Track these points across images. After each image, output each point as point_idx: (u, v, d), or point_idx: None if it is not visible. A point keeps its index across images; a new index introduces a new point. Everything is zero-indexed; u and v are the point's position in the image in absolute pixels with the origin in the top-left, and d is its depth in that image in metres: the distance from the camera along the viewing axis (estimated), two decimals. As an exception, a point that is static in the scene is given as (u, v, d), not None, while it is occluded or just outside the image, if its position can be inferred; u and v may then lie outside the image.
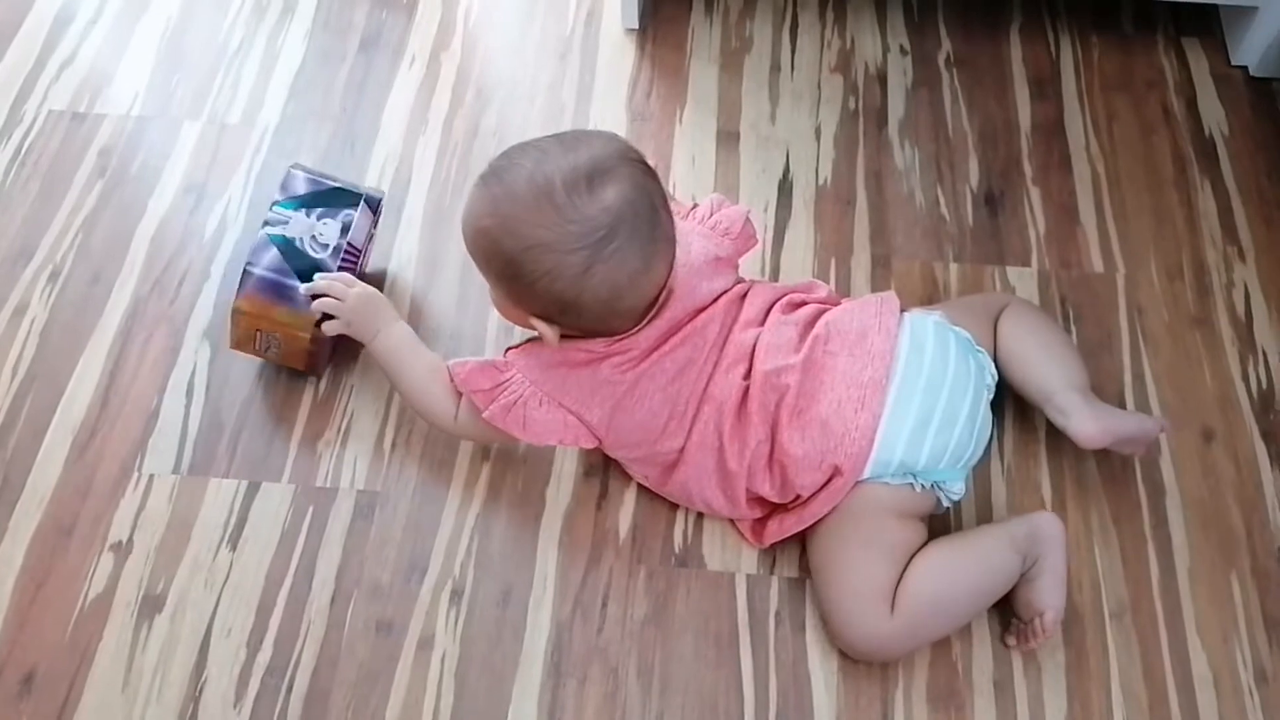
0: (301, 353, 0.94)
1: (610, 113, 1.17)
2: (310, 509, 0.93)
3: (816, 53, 1.23)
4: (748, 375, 0.85)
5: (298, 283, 0.92)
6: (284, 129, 1.15)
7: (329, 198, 0.97)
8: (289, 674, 0.85)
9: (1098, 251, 1.08)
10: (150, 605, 0.88)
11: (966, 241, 1.09)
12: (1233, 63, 1.22)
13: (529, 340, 0.87)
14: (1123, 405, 0.98)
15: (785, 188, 1.12)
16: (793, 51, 1.23)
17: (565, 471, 0.95)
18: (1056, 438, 0.96)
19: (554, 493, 0.94)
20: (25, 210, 1.10)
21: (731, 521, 0.91)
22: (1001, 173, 1.14)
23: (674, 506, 0.93)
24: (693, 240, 0.88)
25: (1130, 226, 1.10)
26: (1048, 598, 0.83)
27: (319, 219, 0.95)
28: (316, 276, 0.92)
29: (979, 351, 0.90)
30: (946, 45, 1.24)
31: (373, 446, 0.96)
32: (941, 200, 1.12)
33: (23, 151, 1.14)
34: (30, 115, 1.17)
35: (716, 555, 0.91)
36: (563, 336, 0.84)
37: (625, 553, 0.91)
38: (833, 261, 1.07)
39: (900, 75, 1.21)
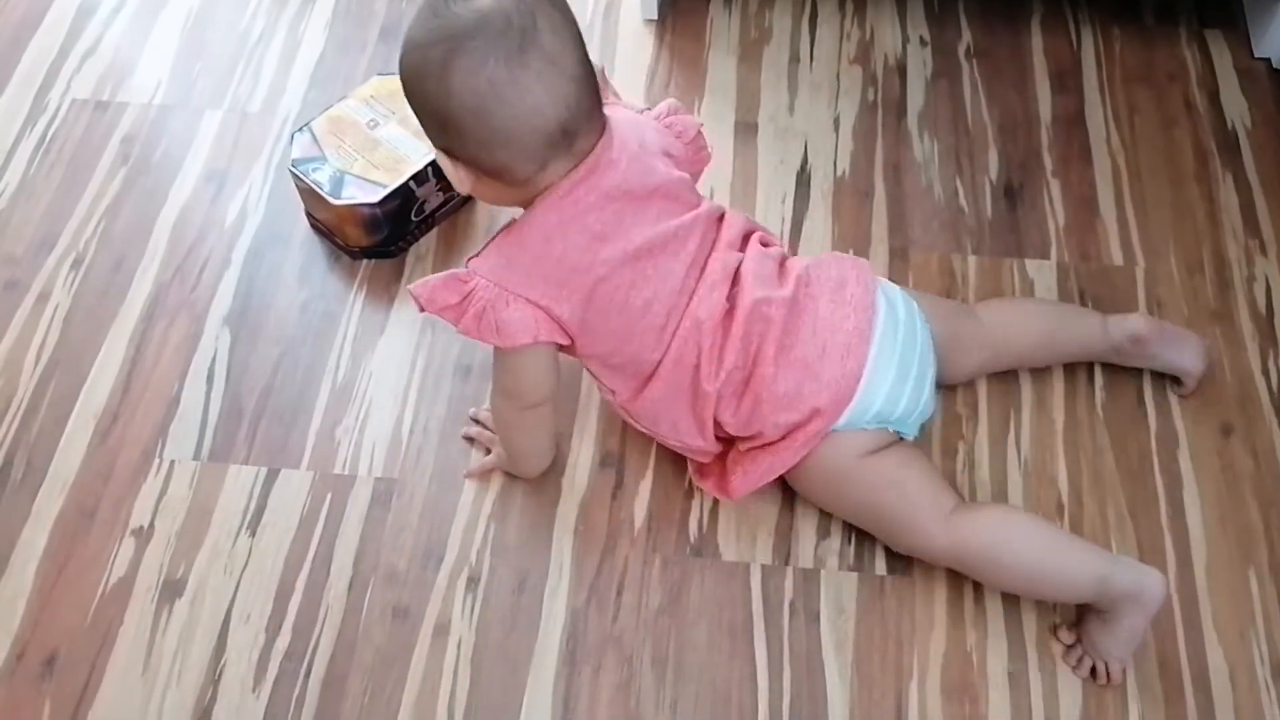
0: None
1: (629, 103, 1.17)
2: (329, 496, 0.93)
3: (836, 44, 1.22)
4: (730, 297, 0.85)
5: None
6: (305, 117, 1.16)
7: None
8: (307, 659, 0.86)
9: (1117, 244, 1.08)
10: (170, 590, 0.89)
11: (985, 234, 1.08)
12: (1256, 55, 1.21)
13: (487, 243, 0.85)
14: (1141, 401, 0.98)
15: (803, 179, 1.12)
16: (812, 42, 1.23)
17: (581, 460, 0.95)
18: (1073, 431, 0.96)
19: (569, 481, 0.94)
20: (49, 198, 1.11)
21: (697, 489, 0.92)
22: (1021, 165, 1.13)
23: (689, 496, 0.93)
24: (647, 130, 0.87)
25: (1150, 219, 1.09)
26: (1116, 649, 0.84)
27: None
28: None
29: (926, 320, 0.91)
30: (967, 36, 1.23)
31: (390, 434, 0.97)
32: (960, 192, 1.11)
33: (46, 140, 1.15)
34: (54, 104, 1.18)
35: (731, 545, 0.91)
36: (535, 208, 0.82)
37: (640, 542, 0.91)
38: (850, 253, 1.07)
39: (920, 66, 1.21)
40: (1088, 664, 0.85)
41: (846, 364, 0.84)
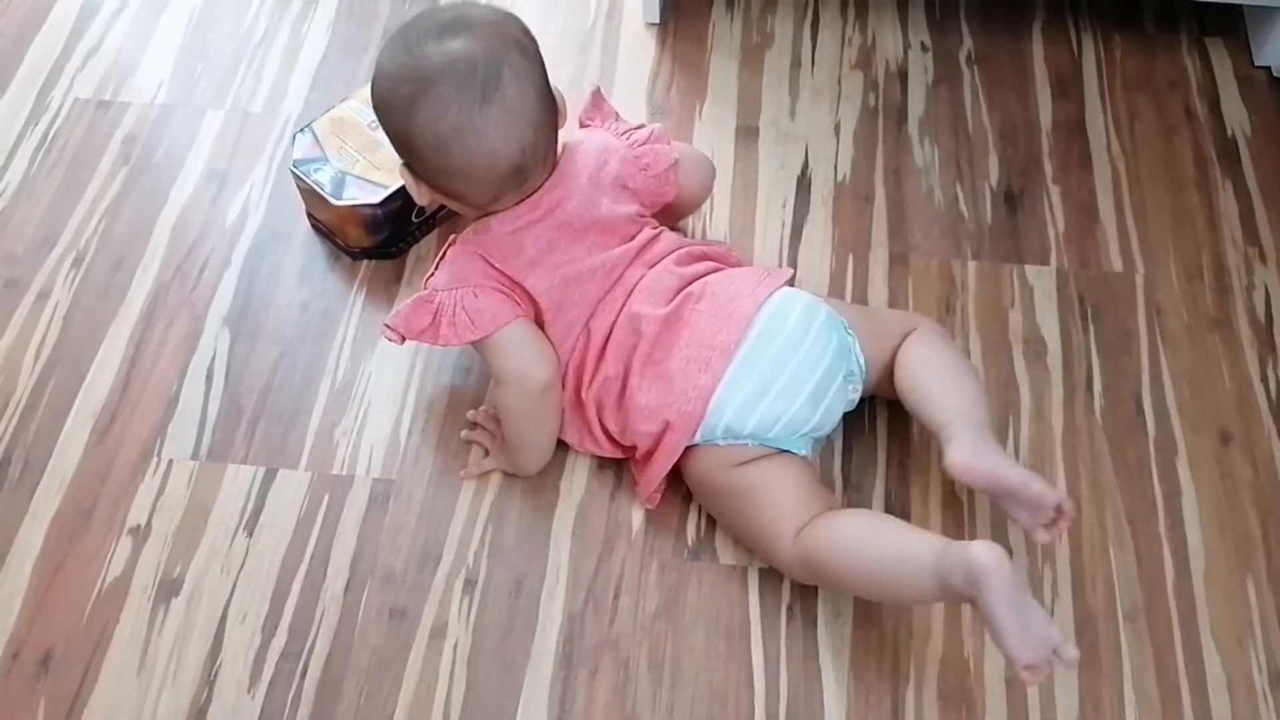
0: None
1: (630, 106, 1.17)
2: (326, 496, 0.93)
3: (837, 49, 1.23)
4: (620, 312, 0.89)
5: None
6: (307, 118, 1.16)
7: None
8: (303, 660, 0.86)
9: (1117, 251, 1.08)
10: (167, 589, 0.89)
11: (985, 239, 1.08)
12: (1256, 63, 1.21)
13: (437, 263, 0.90)
14: (1140, 408, 0.98)
15: (804, 184, 1.12)
16: (813, 47, 1.23)
17: (579, 463, 0.95)
18: (1072, 437, 0.96)
19: (567, 484, 0.94)
20: (50, 197, 1.11)
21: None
22: (1021, 171, 1.13)
23: (687, 499, 0.93)
24: (611, 159, 0.91)
25: (1150, 226, 1.10)
26: (1003, 646, 0.72)
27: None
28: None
29: (849, 335, 0.89)
30: (968, 42, 1.23)
31: (389, 435, 0.96)
32: (960, 198, 1.11)
33: (48, 139, 1.16)
34: (56, 103, 1.18)
35: (729, 549, 0.91)
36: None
37: (638, 545, 0.91)
38: (850, 258, 1.07)
39: (921, 72, 1.21)
40: (1032, 674, 0.72)
41: (701, 379, 0.84)
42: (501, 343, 0.87)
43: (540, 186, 0.88)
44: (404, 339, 0.89)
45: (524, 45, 0.84)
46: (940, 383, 0.87)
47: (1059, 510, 0.80)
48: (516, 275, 0.87)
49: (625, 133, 0.95)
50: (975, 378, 0.89)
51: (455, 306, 0.86)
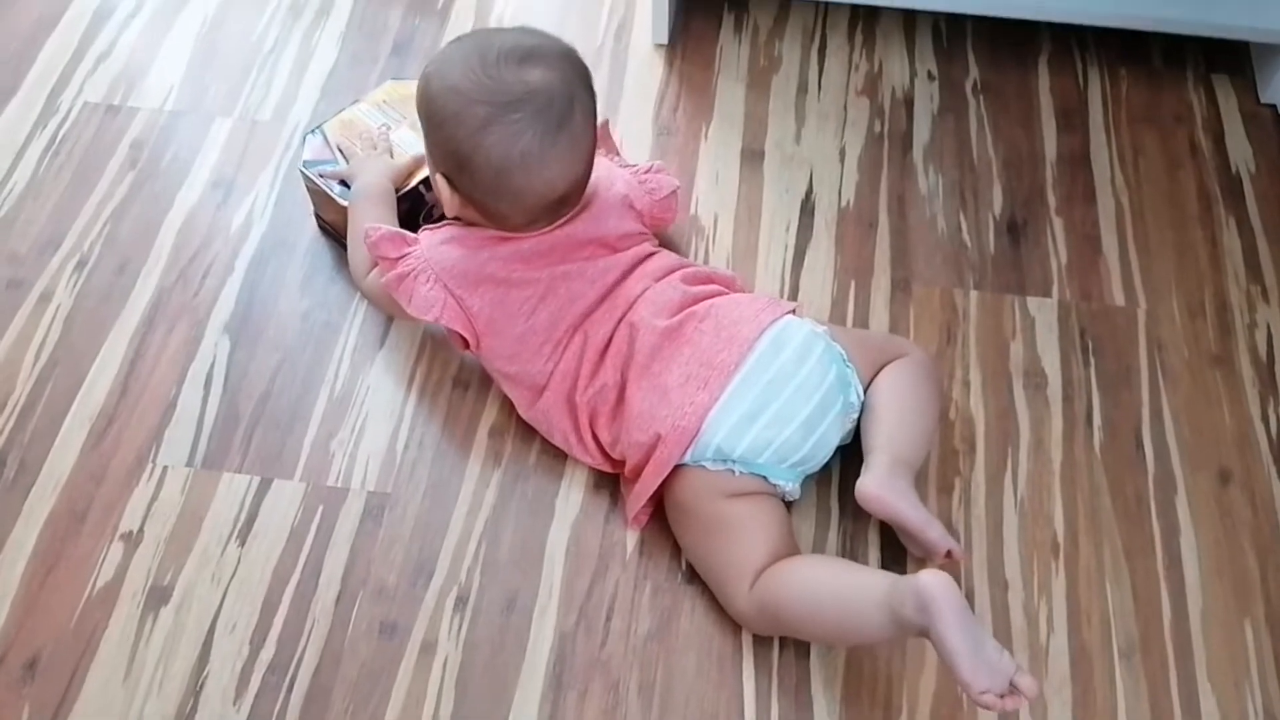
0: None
1: (636, 126, 1.18)
2: (320, 508, 0.93)
3: (844, 75, 1.23)
4: (621, 320, 0.90)
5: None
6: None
7: None
8: (290, 672, 0.85)
9: (1119, 285, 1.08)
10: (157, 596, 0.88)
11: (987, 269, 1.08)
12: (1262, 100, 1.21)
13: (448, 221, 0.94)
14: (1140, 443, 0.98)
15: (808, 208, 1.12)
16: (820, 73, 1.23)
17: (575, 482, 0.95)
18: (1070, 470, 0.96)
19: (563, 503, 0.94)
20: (56, 199, 1.11)
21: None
22: (1025, 202, 1.13)
23: (683, 522, 0.92)
24: (617, 180, 0.95)
25: (1153, 261, 1.10)
26: (957, 673, 0.71)
27: None
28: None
29: (847, 367, 0.89)
30: (974, 72, 1.24)
31: (385, 448, 0.96)
32: (964, 227, 1.12)
33: (56, 141, 1.16)
34: (65, 106, 1.18)
35: (723, 573, 0.90)
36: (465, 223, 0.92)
37: (632, 567, 0.91)
38: (852, 284, 1.07)
39: (927, 100, 1.21)
40: (1000, 702, 0.72)
41: (698, 396, 0.85)
42: (391, 299, 0.91)
43: (568, 216, 0.91)
44: (366, 240, 0.92)
45: (588, 80, 0.88)
46: (887, 412, 0.88)
47: (950, 554, 0.85)
48: (500, 270, 0.89)
49: (627, 165, 1.01)
50: (926, 417, 0.90)
51: (414, 274, 0.90)
